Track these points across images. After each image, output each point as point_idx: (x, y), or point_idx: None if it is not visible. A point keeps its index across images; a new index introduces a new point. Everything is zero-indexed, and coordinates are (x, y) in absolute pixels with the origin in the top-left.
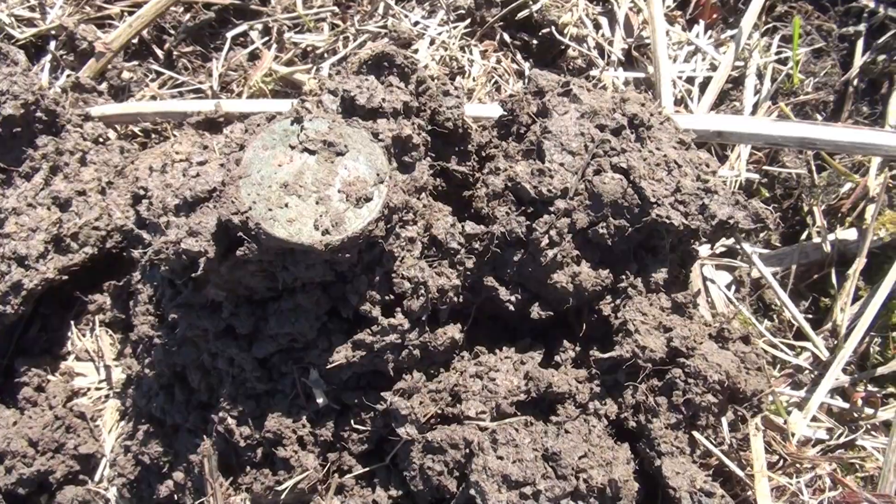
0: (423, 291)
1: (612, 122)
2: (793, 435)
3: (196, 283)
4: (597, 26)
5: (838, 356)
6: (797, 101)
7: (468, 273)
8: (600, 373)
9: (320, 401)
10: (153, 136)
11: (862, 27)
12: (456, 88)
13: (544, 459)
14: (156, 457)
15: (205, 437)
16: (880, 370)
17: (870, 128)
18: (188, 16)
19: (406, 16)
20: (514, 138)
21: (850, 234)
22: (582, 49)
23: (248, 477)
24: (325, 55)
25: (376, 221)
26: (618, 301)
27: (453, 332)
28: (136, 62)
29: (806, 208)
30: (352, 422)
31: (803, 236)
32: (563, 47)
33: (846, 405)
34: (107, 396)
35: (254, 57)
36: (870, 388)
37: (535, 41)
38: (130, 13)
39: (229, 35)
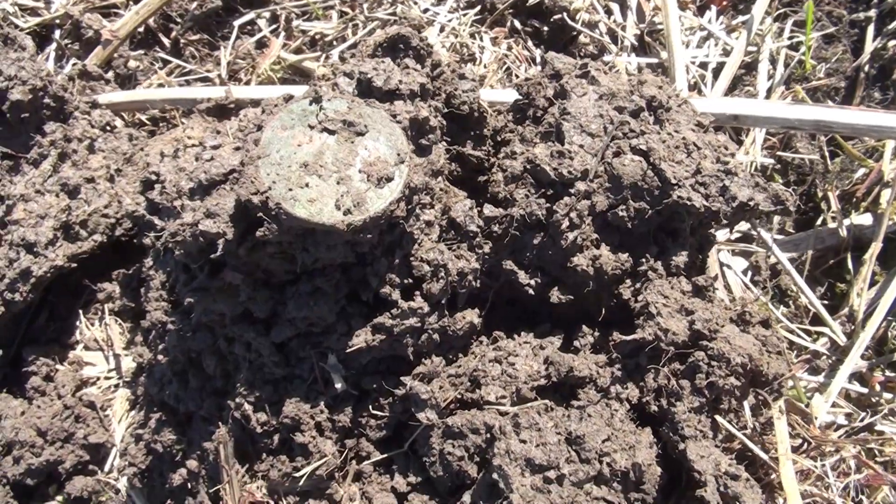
0: (442, 274)
1: (630, 104)
2: (815, 418)
3: (212, 266)
4: (608, 12)
5: (857, 341)
6: (809, 87)
7: (486, 257)
8: (621, 357)
9: (339, 386)
10: (161, 124)
11: (872, 13)
12: (471, 72)
13: (567, 443)
14: (168, 445)
15: (220, 424)
16: None
17: (886, 111)
18: (195, 4)
19: (416, 3)
20: (531, 121)
21: (866, 219)
22: (594, 35)
23: (264, 464)
24: (335, 43)
25: (398, 201)
26: (638, 285)
27: (472, 316)
28: (142, 51)
29: (820, 194)
30: (370, 407)
31: (818, 222)
32: (574, 33)
33: (864, 390)
34: (116, 386)
35: (262, 45)
36: (888, 373)
37: (546, 27)
38: (136, 1)
39: (237, 23)
